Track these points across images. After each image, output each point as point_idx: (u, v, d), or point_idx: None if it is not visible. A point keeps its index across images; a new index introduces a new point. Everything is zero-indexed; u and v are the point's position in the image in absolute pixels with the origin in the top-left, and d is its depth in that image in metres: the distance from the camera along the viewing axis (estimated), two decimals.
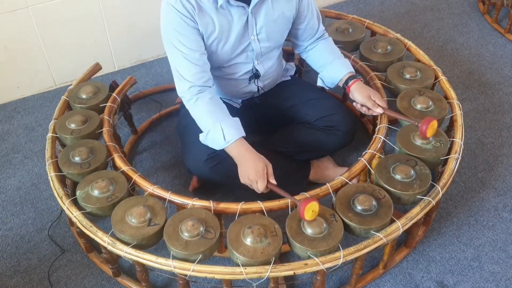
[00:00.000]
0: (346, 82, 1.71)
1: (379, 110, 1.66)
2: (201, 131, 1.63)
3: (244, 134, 1.55)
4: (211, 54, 1.60)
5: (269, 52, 1.70)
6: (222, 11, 1.53)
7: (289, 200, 1.43)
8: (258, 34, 1.62)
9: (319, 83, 1.83)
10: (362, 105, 1.69)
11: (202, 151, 1.60)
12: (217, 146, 1.54)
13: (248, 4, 1.54)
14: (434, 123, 1.53)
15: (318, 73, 1.82)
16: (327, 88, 1.83)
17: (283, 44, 1.77)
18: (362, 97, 1.67)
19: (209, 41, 1.56)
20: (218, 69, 1.68)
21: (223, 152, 1.60)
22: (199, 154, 1.61)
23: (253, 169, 1.47)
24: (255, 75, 1.72)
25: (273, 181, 1.47)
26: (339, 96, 2.19)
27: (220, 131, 1.51)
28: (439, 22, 2.73)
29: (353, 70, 1.75)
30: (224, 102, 1.78)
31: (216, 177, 1.66)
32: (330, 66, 1.76)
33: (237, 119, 1.57)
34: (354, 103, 1.73)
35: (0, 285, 1.62)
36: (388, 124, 1.67)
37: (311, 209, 1.34)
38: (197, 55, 1.54)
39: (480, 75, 2.37)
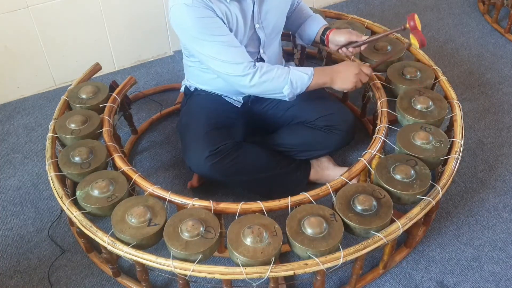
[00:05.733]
0: (323, 33, 1.83)
1: (364, 37, 1.76)
2: (200, 129, 1.64)
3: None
4: None
5: (273, 38, 1.75)
6: (233, 3, 1.57)
7: (289, 200, 1.43)
8: (263, 22, 1.65)
9: (297, 41, 1.97)
10: (346, 45, 1.78)
11: (203, 149, 1.61)
12: (303, 87, 1.63)
13: None
14: (414, 15, 1.65)
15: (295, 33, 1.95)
16: (306, 45, 1.97)
17: (282, 28, 1.83)
18: (344, 34, 1.77)
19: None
20: None
21: (224, 149, 1.61)
22: (200, 152, 1.62)
23: (349, 67, 1.64)
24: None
25: (368, 65, 1.69)
26: (339, 96, 2.19)
27: (298, 73, 1.61)
28: (439, 22, 2.73)
29: (326, 24, 1.86)
30: (226, 101, 1.79)
31: (217, 175, 1.66)
32: (306, 23, 1.87)
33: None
34: (340, 50, 1.81)
35: (0, 285, 1.62)
36: (388, 124, 1.67)
37: (418, 20, 1.56)
38: (231, 37, 1.57)
39: (480, 75, 2.37)
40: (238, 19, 1.59)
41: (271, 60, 1.77)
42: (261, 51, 1.71)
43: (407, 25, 1.68)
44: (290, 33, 2.11)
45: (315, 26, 1.85)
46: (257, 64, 1.59)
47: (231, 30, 1.59)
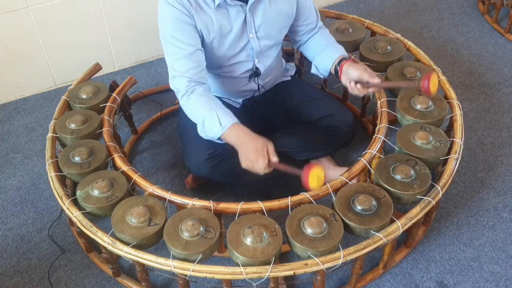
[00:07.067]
0: (339, 63, 1.66)
1: (377, 80, 1.58)
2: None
3: (238, 122, 1.50)
4: (212, 53, 1.60)
5: (269, 49, 1.70)
6: (220, 10, 1.54)
7: (289, 200, 1.43)
8: (257, 32, 1.62)
9: (313, 70, 1.80)
10: (357, 82, 1.60)
11: (203, 151, 1.60)
12: (214, 134, 1.49)
13: (246, 3, 1.55)
14: (434, 77, 1.46)
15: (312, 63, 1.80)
16: (321, 77, 1.79)
17: (282, 41, 1.77)
18: (357, 70, 1.60)
19: (209, 39, 1.57)
20: (219, 68, 1.68)
21: (223, 151, 1.60)
22: (200, 154, 1.61)
23: (252, 149, 1.42)
24: (256, 73, 1.72)
25: (275, 159, 1.42)
26: (339, 96, 2.19)
27: (215, 117, 1.48)
28: (439, 22, 2.73)
29: (345, 54, 1.70)
30: (224, 102, 1.78)
31: (216, 177, 1.66)
32: (324, 52, 1.73)
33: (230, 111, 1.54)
34: (349, 84, 1.62)
35: (0, 285, 1.62)
36: (388, 124, 1.67)
37: (315, 176, 1.29)
38: (193, 50, 1.53)
39: (480, 75, 2.37)
40: (224, 28, 1.56)
41: (269, 70, 1.75)
42: (256, 60, 1.69)
43: (421, 85, 1.51)
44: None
45: (333, 55, 1.69)
46: (193, 88, 1.53)
47: (212, 40, 1.57)
